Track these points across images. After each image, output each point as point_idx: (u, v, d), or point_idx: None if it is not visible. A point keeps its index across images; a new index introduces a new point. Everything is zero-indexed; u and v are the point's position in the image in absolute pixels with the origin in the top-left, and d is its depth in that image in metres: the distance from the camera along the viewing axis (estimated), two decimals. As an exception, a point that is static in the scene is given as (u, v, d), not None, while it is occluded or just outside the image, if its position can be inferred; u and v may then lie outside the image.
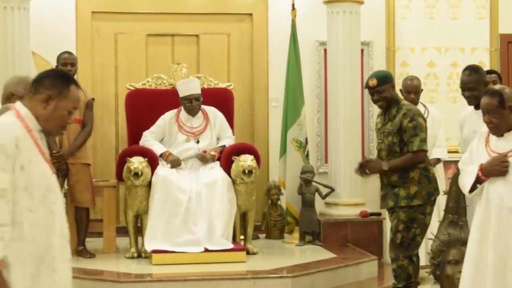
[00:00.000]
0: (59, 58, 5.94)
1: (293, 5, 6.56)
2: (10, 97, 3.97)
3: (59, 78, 2.45)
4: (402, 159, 4.28)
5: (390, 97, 4.35)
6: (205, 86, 6.19)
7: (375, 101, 4.46)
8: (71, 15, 6.81)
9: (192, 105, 5.34)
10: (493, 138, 3.37)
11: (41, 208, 2.30)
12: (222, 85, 6.47)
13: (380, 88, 4.28)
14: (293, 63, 6.73)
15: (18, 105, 2.46)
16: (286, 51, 6.71)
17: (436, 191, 4.40)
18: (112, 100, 6.99)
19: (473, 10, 7.36)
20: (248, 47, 7.44)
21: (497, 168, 3.16)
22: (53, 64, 6.06)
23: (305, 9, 6.80)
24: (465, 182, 3.31)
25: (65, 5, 6.75)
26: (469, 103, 4.23)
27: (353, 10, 6.49)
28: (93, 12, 6.85)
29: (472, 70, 4.24)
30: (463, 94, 4.24)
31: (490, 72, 5.65)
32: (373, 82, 4.37)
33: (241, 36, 7.26)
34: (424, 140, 4.29)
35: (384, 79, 4.33)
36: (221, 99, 6.17)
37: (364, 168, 4.50)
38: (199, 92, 5.80)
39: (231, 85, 6.53)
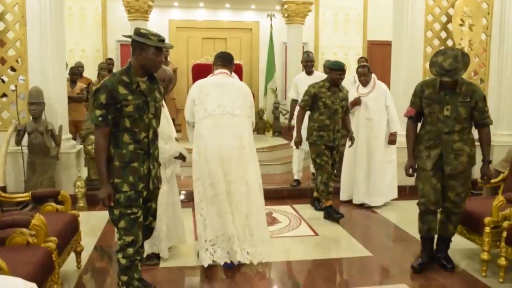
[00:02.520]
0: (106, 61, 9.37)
1: (271, 25, 10.31)
2: None
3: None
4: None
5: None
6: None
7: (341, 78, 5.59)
8: (166, 28, 10.76)
9: None
10: (361, 87, 6.13)
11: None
12: (237, 62, 8.93)
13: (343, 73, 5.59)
14: (271, 52, 10.46)
15: None
16: (267, 46, 10.53)
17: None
18: (185, 70, 10.76)
19: (354, 25, 11.46)
20: (250, 44, 11.34)
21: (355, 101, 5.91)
22: None
23: (277, 26, 10.48)
24: None
25: (163, 23, 10.69)
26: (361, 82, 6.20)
27: (299, 25, 10.06)
28: (176, 27, 10.92)
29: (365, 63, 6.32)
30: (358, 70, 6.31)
31: (362, 57, 9.34)
32: (362, 63, 6.78)
33: (247, 39, 11.29)
34: None
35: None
36: (236, 69, 7.07)
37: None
38: None
39: (241, 62, 10.04)
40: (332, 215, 5.59)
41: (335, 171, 5.87)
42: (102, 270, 4.28)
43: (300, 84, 6.62)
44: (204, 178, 4.15)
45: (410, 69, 6.93)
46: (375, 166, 6.20)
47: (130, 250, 3.26)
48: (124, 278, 3.32)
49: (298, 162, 6.77)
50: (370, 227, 5.66)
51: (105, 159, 3.16)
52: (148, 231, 3.61)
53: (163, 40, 3.23)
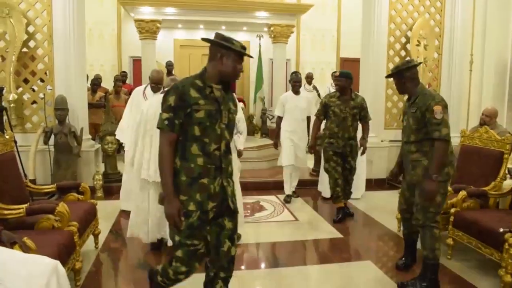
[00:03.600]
0: (166, 64, 9.31)
1: (260, 44, 10.19)
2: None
3: None
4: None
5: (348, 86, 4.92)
6: None
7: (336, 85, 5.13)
8: (171, 46, 10.78)
9: None
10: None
11: None
12: None
13: (342, 78, 4.92)
14: (259, 67, 10.32)
15: None
16: (256, 62, 10.35)
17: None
18: None
19: (329, 44, 11.51)
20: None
21: None
22: (163, 66, 9.55)
23: (264, 44, 10.36)
24: None
25: (169, 41, 10.65)
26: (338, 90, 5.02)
27: (283, 44, 9.85)
28: (180, 45, 10.84)
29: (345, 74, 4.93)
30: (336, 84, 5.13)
31: (335, 72, 9.37)
32: (337, 73, 5.16)
33: (239, 55, 11.77)
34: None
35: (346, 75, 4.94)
36: None
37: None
38: None
39: None
40: (339, 214, 5.16)
41: (350, 176, 5.19)
42: (116, 250, 4.26)
43: (287, 102, 5.88)
44: None
45: (375, 82, 6.95)
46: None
47: (181, 277, 2.61)
48: None
49: (288, 180, 5.99)
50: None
51: (170, 169, 2.42)
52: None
53: (244, 48, 2.54)
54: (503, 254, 3.17)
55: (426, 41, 7.09)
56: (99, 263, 3.90)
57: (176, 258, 2.52)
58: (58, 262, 2.34)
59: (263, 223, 5.03)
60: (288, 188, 6.02)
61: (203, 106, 2.42)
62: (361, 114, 5.03)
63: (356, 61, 7.28)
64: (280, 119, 5.94)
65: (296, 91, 5.94)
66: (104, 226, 4.51)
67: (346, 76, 4.92)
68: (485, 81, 8.28)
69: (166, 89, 3.80)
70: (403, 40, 7.12)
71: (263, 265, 3.95)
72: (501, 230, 3.24)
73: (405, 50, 7.14)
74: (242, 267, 3.85)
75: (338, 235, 4.69)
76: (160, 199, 2.51)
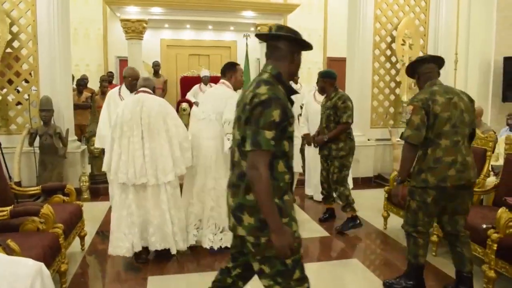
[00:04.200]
0: (152, 64, 9.52)
1: (246, 44, 9.94)
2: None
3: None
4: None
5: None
6: (213, 75, 9.22)
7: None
8: (158, 45, 10.74)
9: None
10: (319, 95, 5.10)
11: None
12: (218, 75, 10.14)
13: (320, 78, 4.74)
14: (246, 67, 9.80)
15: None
16: (243, 61, 9.84)
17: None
18: (174, 81, 10.64)
19: (316, 43, 11.12)
20: (229, 60, 11.25)
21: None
22: (150, 66, 9.74)
23: (251, 44, 10.13)
24: None
25: (156, 41, 10.62)
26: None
27: None
28: (167, 45, 10.83)
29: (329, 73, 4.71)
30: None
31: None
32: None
33: (227, 56, 11.08)
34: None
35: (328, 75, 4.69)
36: (218, 81, 9.78)
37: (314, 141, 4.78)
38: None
39: None
40: (326, 214, 5.15)
41: (332, 183, 4.77)
42: (103, 251, 4.19)
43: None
44: None
45: (361, 81, 7.00)
46: None
47: None
48: None
49: None
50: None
51: (272, 194, 2.01)
52: None
53: None
54: (486, 250, 3.21)
55: (411, 40, 7.17)
56: (85, 265, 3.88)
57: (298, 280, 2.14)
58: (42, 264, 2.31)
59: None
60: None
61: (292, 118, 2.08)
62: (337, 115, 4.61)
63: (342, 60, 7.33)
64: None
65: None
66: (90, 227, 4.49)
67: (323, 76, 4.75)
68: (469, 80, 8.37)
69: (141, 89, 3.81)
70: (389, 39, 7.19)
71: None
72: (484, 226, 3.27)
73: (391, 50, 7.21)
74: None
75: (325, 233, 4.71)
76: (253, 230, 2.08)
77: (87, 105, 7.86)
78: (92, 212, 5.15)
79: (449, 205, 3.11)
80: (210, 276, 3.29)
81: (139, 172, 3.61)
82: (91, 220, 4.73)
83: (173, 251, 3.79)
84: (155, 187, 3.68)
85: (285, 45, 2.14)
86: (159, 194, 3.71)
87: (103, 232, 4.66)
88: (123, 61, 10.27)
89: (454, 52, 8.47)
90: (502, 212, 3.17)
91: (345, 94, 4.70)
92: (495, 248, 3.14)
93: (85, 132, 6.50)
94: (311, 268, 3.74)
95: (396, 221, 4.60)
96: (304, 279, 2.17)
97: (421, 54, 7.33)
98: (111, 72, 9.89)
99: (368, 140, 7.08)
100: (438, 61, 3.20)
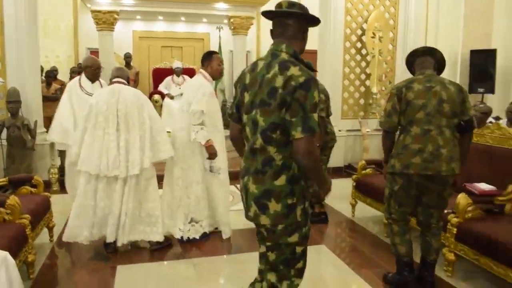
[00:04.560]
0: (124, 55, 9.54)
1: (219, 36, 10.22)
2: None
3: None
4: None
5: None
6: (186, 66, 9.57)
7: None
8: (130, 37, 10.67)
9: None
10: None
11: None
12: (192, 66, 10.11)
13: None
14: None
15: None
16: None
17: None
18: (146, 73, 10.63)
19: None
20: (202, 52, 11.05)
21: None
22: (122, 58, 9.69)
23: (224, 36, 10.39)
24: None
25: (127, 33, 10.54)
26: None
27: (243, 36, 9.67)
28: (139, 37, 10.76)
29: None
30: None
31: None
32: None
33: (200, 48, 11.12)
34: None
35: None
36: (191, 73, 9.07)
37: None
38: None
39: (195, 67, 10.08)
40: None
41: None
42: (72, 243, 4.17)
43: None
44: None
45: (332, 73, 7.09)
46: None
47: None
48: None
49: None
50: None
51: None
52: None
53: None
54: (447, 234, 3.32)
55: (381, 33, 7.29)
56: (53, 256, 3.86)
57: (299, 270, 2.13)
58: (7, 253, 2.32)
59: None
60: None
61: None
62: None
63: (314, 52, 7.39)
64: None
65: None
66: (59, 219, 4.44)
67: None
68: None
69: (115, 79, 3.76)
70: (359, 32, 7.31)
71: (221, 252, 3.98)
72: (445, 211, 3.30)
73: (361, 42, 7.33)
74: (200, 254, 3.88)
75: (295, 222, 4.75)
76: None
77: (56, 97, 7.69)
78: (62, 204, 5.04)
79: (423, 197, 3.07)
80: (180, 264, 3.35)
81: (112, 164, 3.59)
82: (60, 212, 4.67)
83: (118, 243, 3.80)
84: (124, 179, 3.68)
85: (296, 22, 2.07)
86: (124, 186, 3.70)
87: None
88: (94, 53, 9.98)
89: (423, 44, 8.65)
90: (461, 197, 3.28)
91: (323, 86, 4.57)
92: (454, 232, 3.27)
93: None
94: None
95: (363, 209, 4.71)
96: (303, 271, 2.14)
97: (390, 47, 7.48)
98: (81, 64, 9.69)
99: (339, 131, 7.16)
100: (434, 54, 3.13)
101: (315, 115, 1.88)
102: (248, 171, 2.06)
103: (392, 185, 3.10)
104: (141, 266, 3.66)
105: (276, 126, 1.94)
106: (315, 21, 2.11)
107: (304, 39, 2.11)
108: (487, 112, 5.06)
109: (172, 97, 8.82)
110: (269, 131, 1.96)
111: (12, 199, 3.19)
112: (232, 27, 9.84)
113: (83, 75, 4.61)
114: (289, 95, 1.89)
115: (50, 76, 8.10)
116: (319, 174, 2.00)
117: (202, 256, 3.85)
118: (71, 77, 8.15)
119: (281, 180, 1.96)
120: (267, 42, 9.61)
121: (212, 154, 3.90)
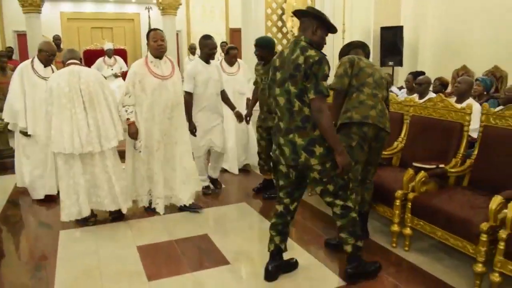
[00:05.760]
0: (53, 38, 9.56)
1: (149, 16, 10.67)
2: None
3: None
4: None
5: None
6: (117, 47, 9.69)
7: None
8: (58, 19, 10.72)
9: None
10: (228, 66, 5.33)
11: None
12: (122, 47, 10.17)
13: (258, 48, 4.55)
14: None
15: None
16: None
17: None
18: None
19: (219, 15, 12.05)
20: (133, 32, 11.56)
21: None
22: (51, 40, 10.18)
23: (154, 16, 10.75)
24: None
25: (55, 15, 10.59)
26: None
27: (172, 16, 10.08)
28: (67, 18, 10.77)
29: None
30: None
31: (223, 42, 10.19)
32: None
33: (130, 28, 11.45)
34: None
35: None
36: (122, 54, 9.43)
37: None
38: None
39: (125, 47, 10.29)
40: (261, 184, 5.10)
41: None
42: (15, 217, 4.49)
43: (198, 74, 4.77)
44: None
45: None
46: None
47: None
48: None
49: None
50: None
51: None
52: None
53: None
54: (394, 209, 3.53)
55: (300, 12, 7.85)
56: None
57: (351, 189, 3.05)
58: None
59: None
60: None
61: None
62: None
63: (239, 30, 7.79)
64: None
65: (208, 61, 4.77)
66: (1, 199, 4.70)
67: (261, 46, 4.56)
68: None
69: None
70: (280, 12, 7.80)
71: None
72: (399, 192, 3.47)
73: (282, 21, 7.84)
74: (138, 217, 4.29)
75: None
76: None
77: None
78: (1, 185, 5.28)
79: (368, 155, 3.39)
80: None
81: (85, 141, 3.78)
82: (1, 192, 4.91)
83: (124, 210, 4.15)
84: (101, 153, 3.92)
85: (308, 20, 2.79)
86: (104, 160, 3.95)
87: (14, 201, 4.89)
88: (21, 36, 10.11)
89: (342, 23, 9.33)
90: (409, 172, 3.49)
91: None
92: (410, 206, 3.43)
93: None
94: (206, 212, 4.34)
95: None
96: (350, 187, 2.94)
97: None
98: (10, 47, 9.68)
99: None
100: (364, 48, 3.72)
101: (325, 83, 2.66)
102: (289, 130, 2.76)
103: (349, 142, 3.30)
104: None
105: (303, 92, 2.69)
106: (321, 20, 2.79)
107: (315, 33, 2.78)
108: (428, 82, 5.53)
109: (105, 78, 8.96)
110: (301, 96, 2.69)
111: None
112: (161, 8, 10.09)
113: (35, 58, 4.70)
114: (308, 69, 2.65)
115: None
116: (331, 135, 2.71)
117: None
118: (0, 61, 8.08)
119: (318, 131, 2.71)
120: (197, 22, 10.05)
121: (132, 133, 4.06)
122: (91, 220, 4.10)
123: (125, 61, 9.43)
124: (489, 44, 7.52)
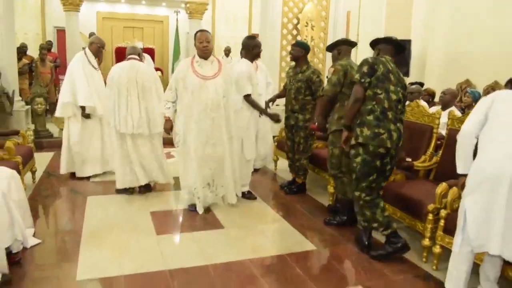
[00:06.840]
0: (89, 35, 9.75)
1: (177, 19, 11.28)
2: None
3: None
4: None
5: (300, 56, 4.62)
6: (146, 46, 10.55)
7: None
8: (94, 18, 11.44)
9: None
10: None
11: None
12: (151, 46, 10.99)
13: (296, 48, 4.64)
14: (177, 40, 11.34)
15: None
16: (174, 35, 11.48)
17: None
18: (110, 52, 11.21)
19: (241, 21, 12.48)
20: (162, 33, 12.16)
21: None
22: (87, 37, 10.27)
23: (182, 19, 11.35)
24: None
25: (92, 14, 11.28)
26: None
27: (198, 20, 10.77)
28: (103, 17, 11.50)
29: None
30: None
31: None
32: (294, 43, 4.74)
33: (159, 29, 12.04)
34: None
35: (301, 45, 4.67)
36: (150, 52, 9.96)
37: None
38: None
39: (154, 46, 11.22)
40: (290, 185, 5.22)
41: (296, 153, 4.94)
42: (50, 183, 5.21)
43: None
44: None
45: (271, 55, 8.25)
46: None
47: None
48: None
49: None
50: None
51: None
52: None
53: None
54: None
55: (314, 22, 8.47)
56: (37, 192, 4.86)
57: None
58: (14, 171, 3.39)
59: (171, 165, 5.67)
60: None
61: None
62: (312, 89, 4.64)
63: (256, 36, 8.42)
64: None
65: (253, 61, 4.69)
66: (38, 170, 5.38)
67: (300, 46, 4.67)
68: (359, 56, 9.76)
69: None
70: (295, 21, 8.44)
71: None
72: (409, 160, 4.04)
73: (296, 29, 8.48)
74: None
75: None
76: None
77: (25, 71, 8.54)
78: (38, 160, 5.93)
79: None
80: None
81: (137, 124, 4.46)
82: (38, 165, 5.51)
83: (172, 182, 4.96)
84: (149, 136, 4.59)
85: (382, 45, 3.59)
86: (152, 141, 4.64)
87: (49, 172, 5.64)
88: (60, 31, 10.84)
89: (356, 33, 9.86)
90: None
91: (317, 69, 4.74)
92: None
93: (28, 94, 7.14)
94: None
95: (283, 163, 5.76)
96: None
97: (321, 35, 8.69)
98: (49, 41, 10.44)
99: (277, 105, 8.27)
100: (353, 45, 4.22)
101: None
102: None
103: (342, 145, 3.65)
104: (109, 197, 4.75)
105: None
106: (391, 43, 3.56)
107: (393, 56, 3.56)
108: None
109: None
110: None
111: (9, 143, 4.21)
112: (188, 11, 10.81)
113: (87, 50, 5.18)
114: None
115: (20, 51, 8.77)
116: (347, 114, 3.43)
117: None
118: (40, 53, 8.91)
119: (369, 117, 3.33)
120: (222, 26, 10.56)
121: (165, 128, 4.32)
122: (142, 190, 4.77)
123: (153, 59, 10.09)
124: (493, 60, 7.76)
